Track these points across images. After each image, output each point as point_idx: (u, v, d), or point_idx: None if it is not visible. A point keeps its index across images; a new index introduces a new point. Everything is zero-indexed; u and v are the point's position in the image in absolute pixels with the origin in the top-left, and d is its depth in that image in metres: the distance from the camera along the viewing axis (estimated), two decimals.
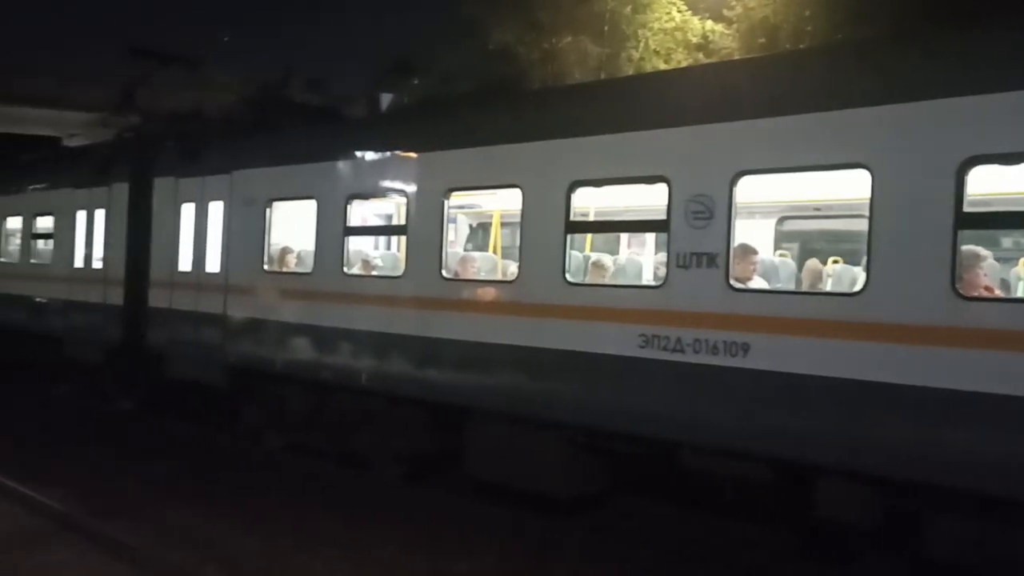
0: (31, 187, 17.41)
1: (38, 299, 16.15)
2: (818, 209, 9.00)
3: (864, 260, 6.52)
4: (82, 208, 15.08)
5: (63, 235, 15.64)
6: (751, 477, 7.20)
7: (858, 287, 6.60)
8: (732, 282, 7.07)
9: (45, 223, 16.39)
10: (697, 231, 7.21)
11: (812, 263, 7.97)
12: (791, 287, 7.88)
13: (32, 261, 16.75)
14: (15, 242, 17.59)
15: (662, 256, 8.03)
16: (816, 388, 6.50)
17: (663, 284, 7.57)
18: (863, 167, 6.42)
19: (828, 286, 7.70)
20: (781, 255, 8.79)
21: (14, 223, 17.56)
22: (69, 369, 15.57)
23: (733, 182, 7.04)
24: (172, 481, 10.13)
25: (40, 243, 16.71)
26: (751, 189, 7.28)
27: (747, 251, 7.41)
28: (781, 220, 9.24)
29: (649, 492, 9.32)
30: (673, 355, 7.28)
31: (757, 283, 7.50)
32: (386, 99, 25.03)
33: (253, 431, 11.98)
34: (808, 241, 9.38)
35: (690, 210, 7.27)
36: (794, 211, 9.18)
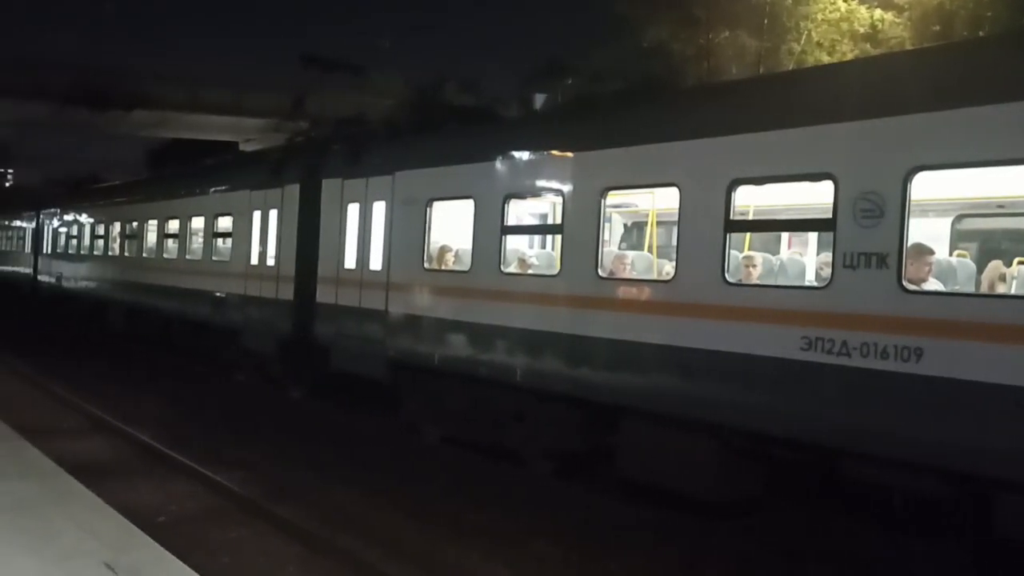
0: (212, 189, 18.69)
1: (218, 294, 17.32)
2: (1002, 207, 8.41)
3: None
4: (257, 209, 16.04)
5: (240, 234, 16.70)
6: (921, 490, 6.83)
7: None
8: (905, 283, 6.73)
9: (225, 223, 17.55)
10: (866, 230, 6.91)
11: (994, 264, 7.46)
12: (970, 289, 7.41)
13: (213, 259, 17.97)
14: (198, 241, 18.92)
15: (826, 256, 7.74)
16: (997, 397, 6.09)
17: (828, 285, 7.29)
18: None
19: (1012, 289, 7.19)
20: (959, 255, 8.27)
21: (198, 223, 18.89)
22: (245, 360, 16.62)
23: (907, 179, 6.70)
24: (337, 468, 10.64)
25: (220, 242, 17.90)
26: (926, 186, 6.90)
27: (922, 251, 7.05)
28: (959, 218, 8.70)
29: (809, 500, 9.00)
30: (838, 359, 7.01)
31: (932, 285, 7.10)
32: (539, 99, 25.28)
33: (412, 423, 12.40)
34: (989, 240, 8.78)
35: (858, 208, 6.97)
36: (974, 209, 8.62)
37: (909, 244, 6.81)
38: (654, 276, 9.61)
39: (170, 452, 10.98)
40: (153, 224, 21.30)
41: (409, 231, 12.01)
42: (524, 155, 10.62)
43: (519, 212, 11.42)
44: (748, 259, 8.71)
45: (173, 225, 20.06)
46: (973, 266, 7.89)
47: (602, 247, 9.38)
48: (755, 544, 8.34)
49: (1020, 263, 7.57)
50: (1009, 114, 6.23)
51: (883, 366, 6.72)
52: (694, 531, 8.58)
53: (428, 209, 11.74)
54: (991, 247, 8.61)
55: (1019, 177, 6.94)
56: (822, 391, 7.19)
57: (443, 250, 11.71)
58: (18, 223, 35.55)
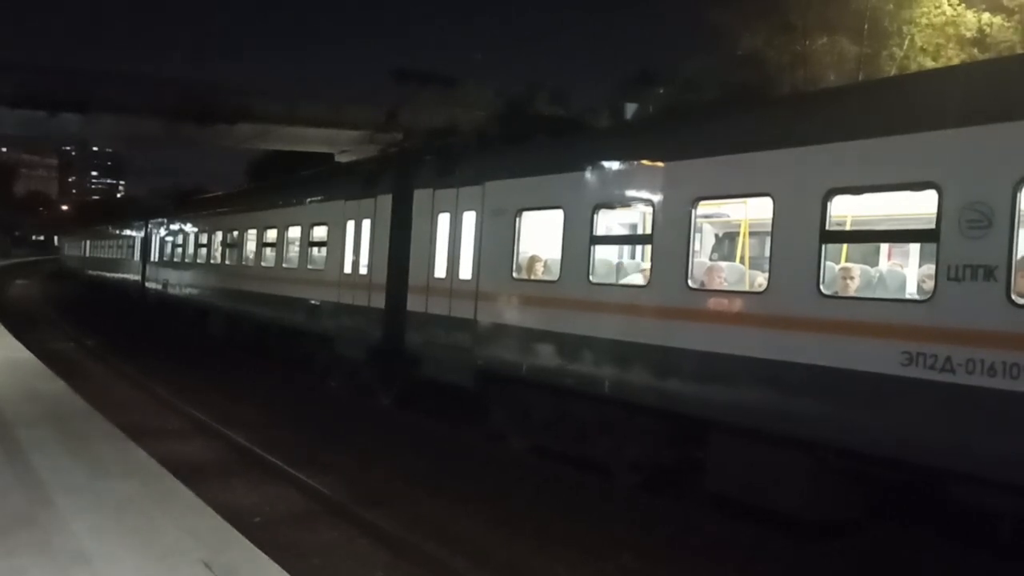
0: (308, 200, 19.19)
1: (313, 301, 17.75)
2: None
3: None
4: (351, 218, 16.39)
5: (334, 243, 17.08)
6: None
7: None
8: (1015, 297, 6.41)
9: (320, 232, 17.98)
10: (972, 241, 6.61)
11: None
12: None
13: (309, 267, 18.43)
14: (294, 250, 19.44)
15: (929, 268, 7.43)
16: None
17: (931, 298, 7.00)
18: None
19: None
20: None
21: (294, 232, 19.42)
22: (338, 367, 16.97)
23: (1017, 188, 6.38)
24: (424, 475, 10.75)
25: (315, 250, 18.35)
26: None
27: None
28: None
29: (913, 523, 8.63)
30: (942, 375, 6.71)
31: None
32: (630, 109, 25.14)
33: (500, 432, 12.44)
34: None
35: (964, 219, 6.68)
36: None
37: (1019, 256, 6.48)
38: (746, 288, 9.40)
39: (266, 455, 11.29)
40: (252, 233, 21.99)
41: (498, 241, 12.08)
42: (613, 165, 10.56)
43: (609, 222, 11.35)
44: (845, 271, 8.44)
45: (271, 234, 20.66)
46: None
47: (692, 257, 9.24)
48: (851, 566, 8.05)
49: None
50: None
51: (990, 383, 6.40)
52: (787, 550, 8.35)
53: (517, 219, 11.79)
54: None
55: None
56: (924, 408, 6.89)
57: (532, 260, 11.73)
58: (128, 232, 37.30)
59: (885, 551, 8.36)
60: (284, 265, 19.74)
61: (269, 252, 20.78)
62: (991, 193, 6.54)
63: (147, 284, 32.35)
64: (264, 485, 10.17)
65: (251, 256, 22.01)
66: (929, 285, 7.17)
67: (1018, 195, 6.39)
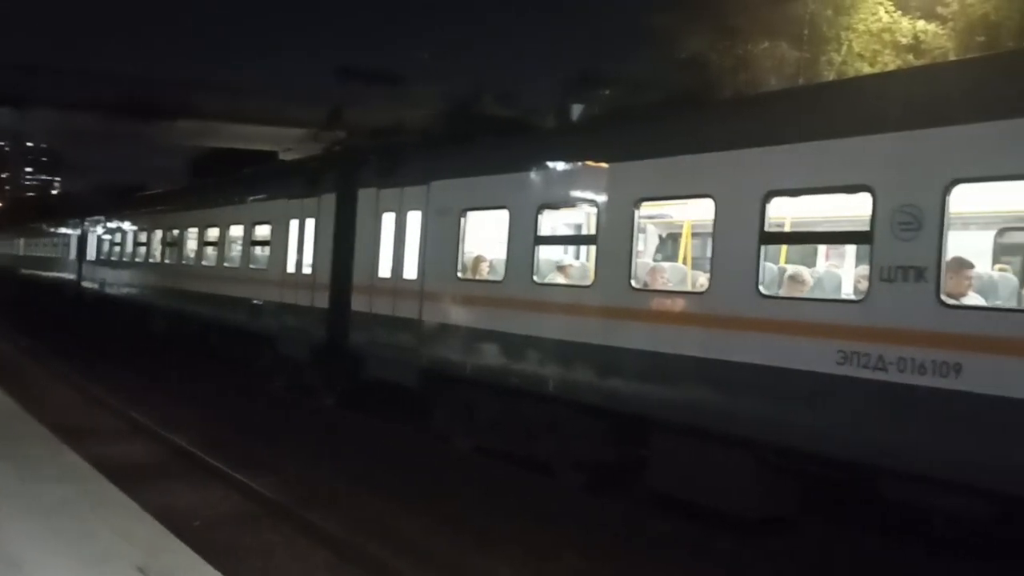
0: (251, 198, 18.93)
1: (256, 301, 17.51)
2: None
3: None
4: (295, 218, 16.21)
5: (278, 242, 16.87)
6: (965, 510, 6.66)
7: None
8: (944, 297, 6.61)
9: (263, 231, 17.75)
10: (904, 243, 6.80)
11: None
12: (1012, 304, 7.24)
13: (251, 266, 18.18)
14: (236, 248, 19.17)
15: (864, 269, 7.63)
16: None
17: (865, 298, 7.19)
18: None
19: None
20: (1001, 269, 8.10)
21: (236, 231, 19.14)
22: (281, 367, 16.77)
23: (946, 191, 6.58)
24: (368, 475, 10.67)
25: (258, 249, 18.11)
26: (967, 198, 6.77)
27: (961, 265, 6.91)
28: (1001, 232, 8.52)
29: (849, 519, 8.83)
30: (875, 373, 6.89)
31: (972, 299, 6.96)
32: (576, 110, 25.28)
33: (444, 432, 12.41)
34: None
35: (897, 221, 6.87)
36: (1018, 222, 8.44)
37: (948, 258, 6.68)
38: (688, 288, 9.54)
39: (205, 457, 11.10)
40: (193, 232, 21.63)
41: (444, 240, 12.05)
42: (558, 166, 10.62)
43: (553, 223, 11.41)
44: (783, 272, 8.62)
45: (212, 233, 20.34)
46: (1016, 280, 7.73)
47: (636, 258, 9.34)
48: (792, 562, 8.20)
49: None
50: None
51: (920, 381, 6.60)
52: (729, 547, 8.46)
53: (463, 219, 11.78)
54: None
55: None
56: (858, 406, 7.06)
57: (477, 260, 11.73)
58: (64, 230, 36.31)
59: (823, 548, 8.54)
60: (226, 264, 19.45)
61: (211, 251, 20.45)
62: (922, 196, 6.73)
63: (83, 283, 31.57)
64: (204, 487, 10.00)
65: (192, 255, 21.65)
66: (864, 286, 7.36)
67: (947, 199, 6.59)
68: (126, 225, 27.37)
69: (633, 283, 9.20)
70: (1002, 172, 6.55)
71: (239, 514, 9.11)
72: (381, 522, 8.89)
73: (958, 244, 7.05)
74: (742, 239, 8.02)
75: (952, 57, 19.43)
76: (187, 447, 11.66)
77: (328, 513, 8.96)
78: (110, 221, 29.27)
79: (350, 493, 9.92)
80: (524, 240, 10.62)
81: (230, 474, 10.33)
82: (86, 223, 32.10)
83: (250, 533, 8.46)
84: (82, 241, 32.33)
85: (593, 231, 10.03)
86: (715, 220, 8.42)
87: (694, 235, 10.62)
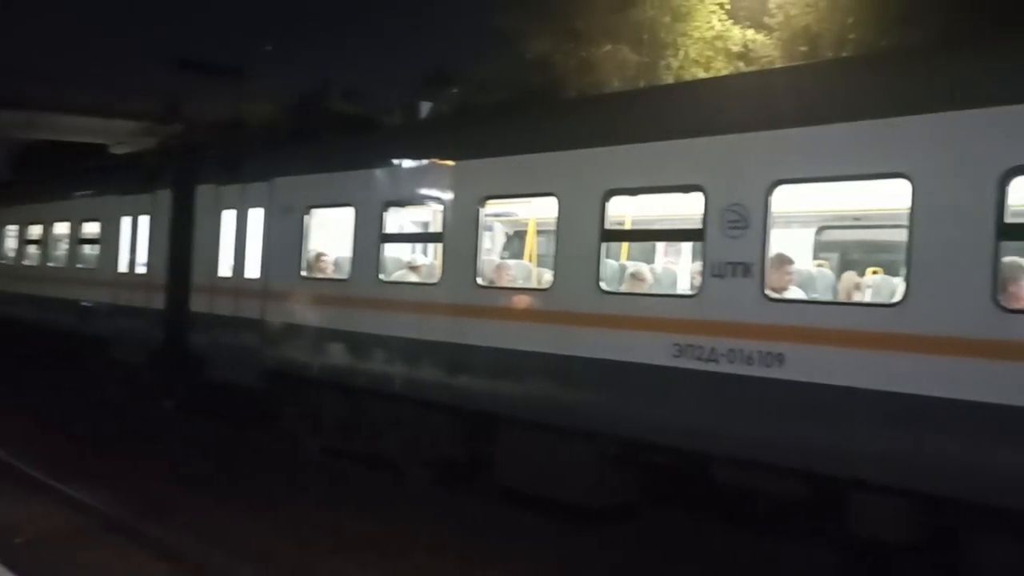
0: (77, 193, 17.82)
1: (85, 303, 16.51)
2: (857, 219, 8.91)
3: (903, 271, 6.45)
4: (127, 214, 15.40)
5: (109, 241, 15.98)
6: (787, 492, 7.11)
7: (897, 298, 6.53)
8: (767, 292, 7.03)
9: (91, 229, 16.75)
10: (732, 240, 7.19)
11: (849, 274, 7.90)
12: (829, 298, 7.80)
13: (79, 266, 17.13)
14: (62, 247, 18.00)
15: (697, 265, 8.01)
16: (853, 400, 6.43)
17: (698, 293, 7.55)
18: (903, 177, 6.36)
19: (867, 297, 7.61)
20: (819, 265, 8.71)
21: (61, 228, 17.98)
22: (116, 370, 15.89)
23: (769, 191, 7.01)
24: (211, 482, 10.30)
25: (86, 248, 17.08)
26: (788, 199, 7.23)
27: (783, 261, 7.36)
28: (820, 230, 9.16)
29: (685, 505, 9.25)
30: (707, 365, 7.25)
31: (793, 293, 7.44)
32: (424, 108, 25.26)
33: (290, 434, 12.13)
34: (848, 251, 9.28)
35: (726, 219, 7.24)
36: (834, 221, 9.09)
37: (771, 254, 7.11)
38: (533, 285, 9.72)
39: (29, 470, 10.38)
40: (13, 230, 20.16)
41: (288, 238, 11.76)
42: (405, 163, 10.58)
43: (400, 220, 11.35)
44: (623, 268, 8.93)
45: (35, 231, 19.03)
46: (832, 275, 8.32)
47: (481, 255, 9.43)
48: (636, 548, 8.51)
49: (873, 273, 8.05)
50: (860, 132, 6.61)
51: (748, 371, 6.99)
52: (575, 538, 8.69)
53: (307, 216, 11.53)
54: (850, 258, 9.12)
55: (870, 191, 7.34)
56: (692, 397, 7.41)
57: (321, 258, 11.52)
58: None
59: (664, 533, 8.91)
60: (50, 264, 18.23)
61: (32, 250, 19.12)
62: (748, 196, 7.13)
63: None
64: (28, 502, 9.33)
65: (11, 254, 20.17)
66: (697, 281, 7.73)
67: (770, 199, 7.02)
68: None
69: (479, 280, 9.28)
70: (819, 174, 7.04)
71: (68, 529, 8.57)
72: (225, 530, 8.59)
73: (780, 241, 7.52)
74: (584, 236, 8.24)
75: (778, 64, 20.68)
76: (8, 460, 10.85)
77: (167, 524, 8.56)
78: None
79: (191, 501, 9.53)
80: (370, 238, 10.52)
81: (58, 487, 9.70)
82: None
83: (79, 549, 7.97)
84: None
85: (439, 229, 10.05)
86: (558, 218, 8.61)
87: (539, 233, 10.84)
